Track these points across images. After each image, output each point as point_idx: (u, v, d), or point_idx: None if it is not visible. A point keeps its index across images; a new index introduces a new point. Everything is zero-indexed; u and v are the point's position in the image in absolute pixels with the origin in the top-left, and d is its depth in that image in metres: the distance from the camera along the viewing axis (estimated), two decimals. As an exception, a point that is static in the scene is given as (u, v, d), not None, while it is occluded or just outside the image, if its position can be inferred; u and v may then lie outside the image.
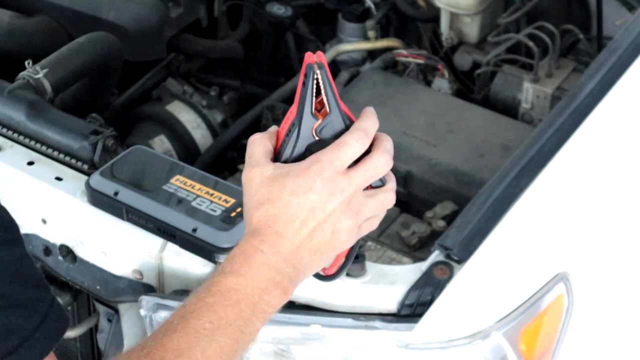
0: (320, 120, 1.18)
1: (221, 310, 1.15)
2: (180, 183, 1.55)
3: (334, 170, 1.16)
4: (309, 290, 1.44)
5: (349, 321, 1.40)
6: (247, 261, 1.17)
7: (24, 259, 1.10)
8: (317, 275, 1.26)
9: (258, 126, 2.16)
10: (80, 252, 1.60)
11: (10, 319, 1.07)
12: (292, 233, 1.18)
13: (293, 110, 1.18)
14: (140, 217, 1.51)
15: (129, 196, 1.53)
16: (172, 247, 1.51)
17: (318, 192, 1.16)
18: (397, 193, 1.87)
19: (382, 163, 1.18)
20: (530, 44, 2.18)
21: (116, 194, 1.53)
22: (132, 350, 1.14)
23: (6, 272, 1.07)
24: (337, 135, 1.18)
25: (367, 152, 1.18)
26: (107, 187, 1.55)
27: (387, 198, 1.21)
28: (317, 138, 1.19)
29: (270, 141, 1.21)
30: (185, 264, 1.49)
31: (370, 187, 1.19)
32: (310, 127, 1.18)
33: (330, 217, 1.18)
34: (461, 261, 1.43)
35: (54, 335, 1.10)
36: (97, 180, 1.56)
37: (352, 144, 1.17)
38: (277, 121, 2.09)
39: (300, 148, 1.19)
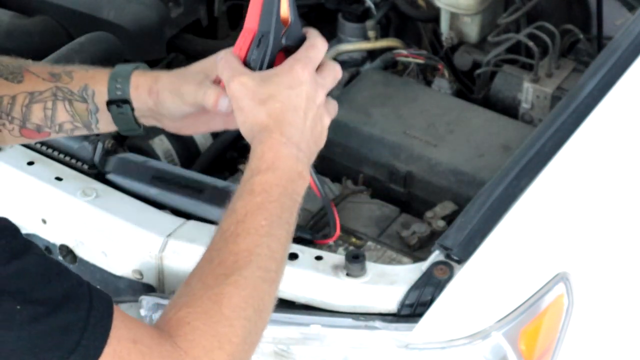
0: (285, 28, 1.30)
1: (270, 207, 1.24)
2: None
3: (313, 67, 1.30)
4: (309, 290, 1.44)
5: (349, 321, 1.41)
6: (277, 156, 1.27)
7: (43, 256, 1.11)
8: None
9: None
10: (80, 252, 1.60)
11: (62, 318, 1.08)
12: (300, 122, 1.29)
13: (251, 25, 1.29)
14: (167, 176, 1.55)
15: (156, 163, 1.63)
16: (172, 247, 1.51)
17: (308, 84, 1.29)
18: (397, 193, 1.89)
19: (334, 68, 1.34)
20: (530, 44, 2.18)
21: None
22: (199, 268, 1.21)
23: (38, 276, 1.08)
24: (299, 41, 1.31)
25: None
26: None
27: (334, 69, 1.34)
28: (284, 45, 1.31)
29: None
30: (186, 263, 1.49)
31: None
32: (279, 36, 1.30)
33: (319, 109, 1.32)
34: (461, 261, 1.43)
35: (108, 310, 1.11)
36: None
37: (321, 45, 1.32)
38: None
39: (272, 55, 1.30)
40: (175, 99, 1.40)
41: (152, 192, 1.62)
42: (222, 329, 1.17)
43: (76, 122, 1.45)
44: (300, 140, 1.29)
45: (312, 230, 1.67)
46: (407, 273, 1.44)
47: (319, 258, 1.47)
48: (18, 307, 1.05)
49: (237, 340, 1.18)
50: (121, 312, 1.13)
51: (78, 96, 1.44)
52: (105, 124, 1.46)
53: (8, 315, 1.05)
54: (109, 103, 1.43)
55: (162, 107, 1.42)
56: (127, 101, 1.42)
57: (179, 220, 1.57)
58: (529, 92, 2.14)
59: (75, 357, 1.07)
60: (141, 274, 1.54)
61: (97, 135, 1.80)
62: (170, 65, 2.35)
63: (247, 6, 1.44)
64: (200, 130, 1.47)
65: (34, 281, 1.07)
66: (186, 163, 2.05)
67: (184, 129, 1.47)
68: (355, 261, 1.43)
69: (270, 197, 1.25)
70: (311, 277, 1.45)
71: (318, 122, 1.31)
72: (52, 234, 1.62)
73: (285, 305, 1.44)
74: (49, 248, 1.63)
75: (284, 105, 1.28)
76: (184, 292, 1.20)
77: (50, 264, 1.11)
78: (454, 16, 2.29)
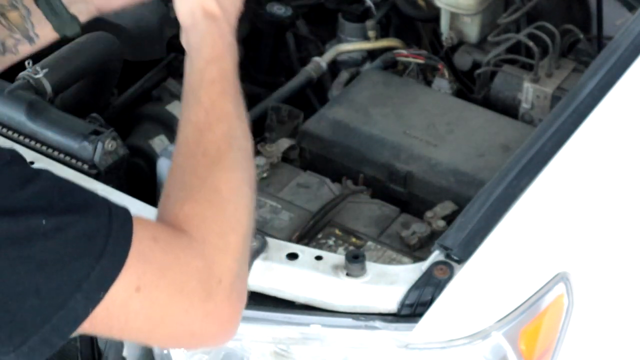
0: None
1: (231, 91, 1.36)
2: None
3: None
4: (309, 290, 1.44)
5: (349, 321, 1.41)
6: (226, 43, 1.41)
7: (55, 176, 1.13)
8: None
9: (259, 126, 2.16)
10: (80, 252, 1.60)
11: (85, 225, 1.10)
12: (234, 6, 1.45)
13: None
14: None
15: None
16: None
17: None
18: (397, 193, 1.89)
19: None
20: (530, 44, 2.18)
21: None
22: (186, 163, 1.25)
23: (55, 193, 1.10)
24: None
25: None
26: None
27: None
28: None
29: None
30: (185, 264, 1.49)
31: None
32: None
33: None
34: (461, 261, 1.43)
35: (126, 215, 1.14)
36: None
37: None
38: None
39: None
40: None
41: None
42: (230, 213, 1.22)
43: (15, 34, 1.46)
44: (234, 20, 1.43)
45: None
46: (407, 273, 1.44)
47: (319, 258, 1.47)
48: (43, 221, 1.07)
49: (245, 219, 1.23)
50: (137, 216, 1.16)
51: (8, 5, 1.46)
52: (42, 28, 1.47)
53: (33, 229, 1.06)
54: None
55: None
56: None
57: (179, 220, 1.56)
58: (529, 92, 2.14)
59: (103, 262, 1.09)
60: (141, 274, 1.54)
61: (98, 134, 1.80)
62: (170, 65, 2.35)
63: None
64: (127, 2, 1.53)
65: (52, 197, 1.10)
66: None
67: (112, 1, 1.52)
68: (355, 261, 1.43)
69: (229, 83, 1.36)
70: (311, 277, 1.45)
71: None
72: (52, 234, 1.62)
73: (285, 305, 1.44)
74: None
75: None
76: (180, 188, 1.23)
77: (64, 181, 1.14)
78: (454, 16, 2.29)
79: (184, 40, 1.43)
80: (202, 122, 1.28)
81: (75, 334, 1.10)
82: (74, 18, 1.48)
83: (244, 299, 1.21)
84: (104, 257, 1.09)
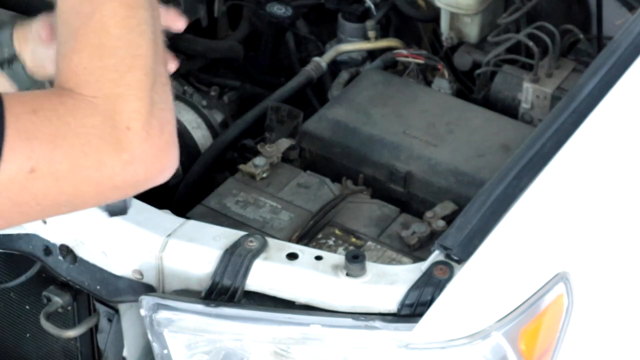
0: None
1: None
2: None
3: None
4: (309, 290, 1.44)
5: (349, 321, 1.41)
6: None
7: None
8: None
9: (259, 126, 2.16)
10: (80, 252, 1.60)
11: None
12: None
13: None
14: None
15: None
16: (172, 247, 1.51)
17: None
18: (397, 193, 1.89)
19: None
20: (530, 44, 2.18)
21: None
22: (64, 27, 1.15)
23: None
24: None
25: None
26: None
27: None
28: None
29: None
30: (186, 263, 1.49)
31: None
32: None
33: None
34: (461, 261, 1.43)
35: None
36: None
37: None
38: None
39: None
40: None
41: None
42: (123, 51, 1.13)
43: None
44: None
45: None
46: (407, 273, 1.44)
47: (319, 258, 1.47)
48: None
49: (144, 49, 1.14)
50: (12, 93, 1.10)
51: None
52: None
53: None
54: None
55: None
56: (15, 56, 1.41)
57: (179, 220, 1.57)
58: (529, 92, 2.14)
59: None
60: (141, 274, 1.54)
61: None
62: (170, 65, 2.35)
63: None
64: None
65: None
66: (186, 163, 2.05)
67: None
68: (355, 261, 1.43)
69: None
70: (311, 277, 1.45)
71: None
72: (52, 234, 1.62)
73: (285, 305, 1.44)
74: (49, 248, 1.63)
75: None
76: (65, 39, 1.15)
77: None
78: (454, 16, 2.29)
79: None
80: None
81: None
82: (36, 82, 1.43)
83: (170, 127, 1.16)
84: None
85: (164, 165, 1.15)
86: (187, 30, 2.41)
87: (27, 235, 1.62)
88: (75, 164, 1.08)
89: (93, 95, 1.11)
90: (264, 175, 1.88)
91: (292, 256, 1.47)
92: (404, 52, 2.31)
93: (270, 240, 1.50)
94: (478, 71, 2.28)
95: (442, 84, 2.22)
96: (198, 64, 2.42)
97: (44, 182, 1.07)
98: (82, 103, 1.10)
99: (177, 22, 1.41)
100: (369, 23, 2.37)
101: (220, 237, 1.50)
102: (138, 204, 1.60)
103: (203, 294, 1.45)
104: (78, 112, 1.09)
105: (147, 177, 1.15)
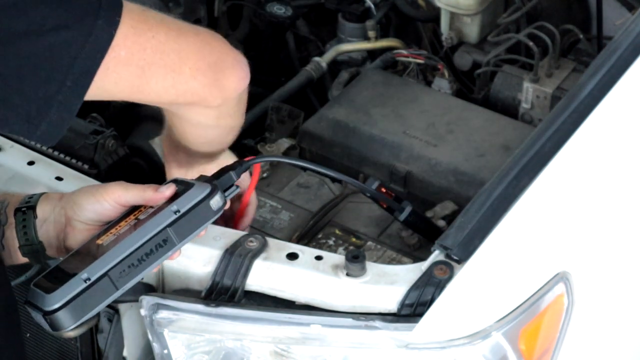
0: None
1: None
2: None
3: None
4: (309, 290, 1.44)
5: (349, 321, 1.40)
6: None
7: None
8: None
9: (259, 126, 2.16)
10: (80, 252, 1.60)
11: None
12: None
13: None
14: None
15: None
16: (172, 247, 1.51)
17: None
18: (397, 193, 1.89)
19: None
20: (530, 44, 2.18)
21: None
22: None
23: None
24: None
25: None
26: None
27: None
28: None
29: None
30: (186, 264, 1.49)
31: None
32: None
33: None
34: (461, 261, 1.43)
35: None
36: None
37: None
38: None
39: None
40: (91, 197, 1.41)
41: None
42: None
43: None
44: None
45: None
46: (407, 273, 1.44)
47: (319, 258, 1.47)
48: None
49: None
50: None
51: None
52: (10, 238, 1.41)
53: None
54: (17, 210, 1.40)
55: (75, 205, 1.40)
56: (32, 208, 1.40)
57: (179, 220, 1.56)
58: (529, 92, 2.14)
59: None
60: (141, 274, 1.54)
61: (98, 134, 1.80)
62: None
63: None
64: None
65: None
66: (186, 163, 2.05)
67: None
68: (355, 261, 1.43)
69: None
70: (311, 277, 1.45)
71: None
72: (52, 234, 1.62)
73: (285, 305, 1.44)
74: (49, 248, 1.63)
75: None
76: None
77: None
78: (454, 16, 2.30)
79: None
80: None
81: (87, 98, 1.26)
82: (39, 241, 1.41)
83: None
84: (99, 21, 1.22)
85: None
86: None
87: (27, 235, 1.62)
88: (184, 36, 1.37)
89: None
90: (264, 175, 1.88)
91: (292, 256, 1.47)
92: (404, 52, 2.31)
93: (270, 240, 1.50)
94: (478, 71, 2.28)
95: (442, 84, 2.22)
96: (198, 64, 2.42)
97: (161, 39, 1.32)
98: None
99: None
100: (369, 23, 2.38)
101: (220, 237, 1.50)
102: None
103: (203, 294, 1.45)
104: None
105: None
